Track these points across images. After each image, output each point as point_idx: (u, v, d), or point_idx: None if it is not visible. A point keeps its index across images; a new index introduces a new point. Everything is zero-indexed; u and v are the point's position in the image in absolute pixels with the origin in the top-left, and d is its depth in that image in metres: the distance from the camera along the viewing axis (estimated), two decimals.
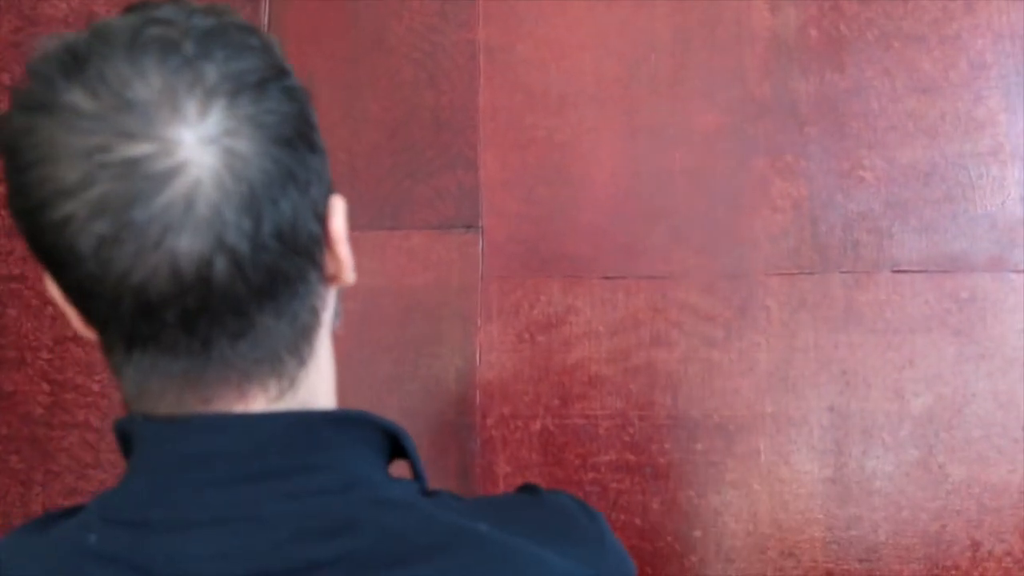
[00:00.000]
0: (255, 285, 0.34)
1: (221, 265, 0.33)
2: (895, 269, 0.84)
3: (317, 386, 0.39)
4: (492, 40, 0.90)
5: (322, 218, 0.37)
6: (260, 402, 0.36)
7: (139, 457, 0.36)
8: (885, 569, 0.81)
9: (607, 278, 0.86)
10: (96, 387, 0.95)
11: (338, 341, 0.93)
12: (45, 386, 0.96)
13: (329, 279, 0.39)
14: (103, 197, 0.31)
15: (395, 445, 0.39)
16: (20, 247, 0.98)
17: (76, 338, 0.96)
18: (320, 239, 0.37)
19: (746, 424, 0.84)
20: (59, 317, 0.96)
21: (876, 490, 0.82)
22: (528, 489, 0.43)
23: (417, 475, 0.39)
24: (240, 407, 0.36)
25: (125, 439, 0.38)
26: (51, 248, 0.33)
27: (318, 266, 0.37)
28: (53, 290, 0.37)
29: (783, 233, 0.85)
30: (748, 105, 0.87)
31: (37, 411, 0.96)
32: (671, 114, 0.88)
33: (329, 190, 0.38)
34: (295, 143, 0.35)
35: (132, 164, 0.32)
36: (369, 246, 0.90)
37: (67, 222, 0.32)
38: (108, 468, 0.94)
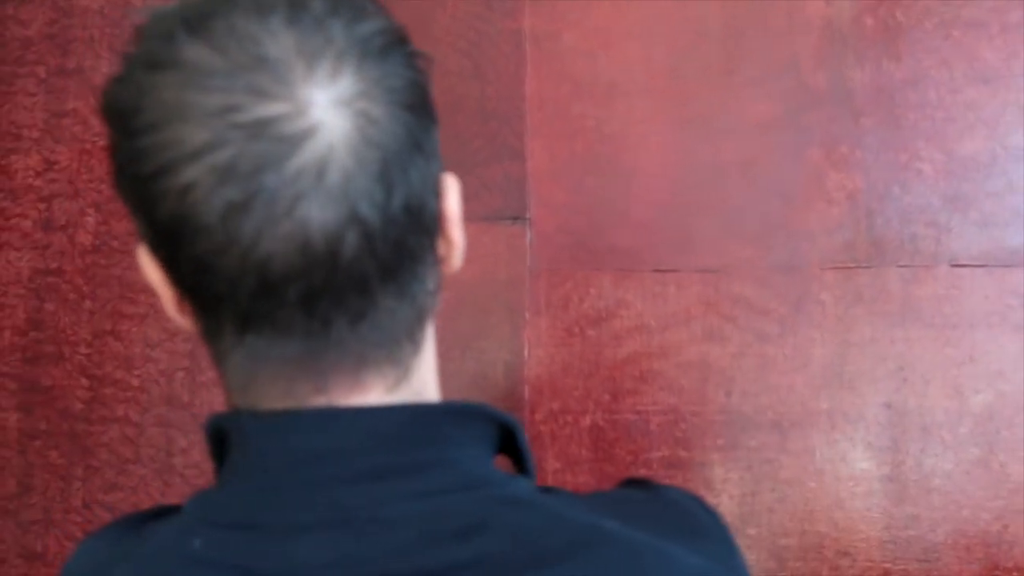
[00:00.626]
0: (382, 262, 0.31)
1: (352, 238, 0.30)
2: (954, 263, 0.82)
3: (427, 375, 0.37)
4: (538, 28, 0.88)
5: (438, 196, 0.35)
6: (376, 392, 0.34)
7: (244, 455, 0.34)
8: (944, 570, 0.79)
9: (658, 271, 0.84)
10: (135, 382, 0.94)
11: None
12: (84, 381, 0.95)
13: (438, 263, 0.37)
14: (233, 160, 0.29)
15: (502, 439, 0.37)
16: (57, 241, 0.97)
17: (115, 332, 0.95)
18: (437, 217, 0.35)
19: (801, 420, 0.82)
20: (97, 312, 0.96)
21: (935, 488, 0.80)
22: (638, 483, 0.41)
23: (527, 471, 0.37)
24: (356, 397, 0.34)
25: (220, 437, 0.35)
26: (169, 219, 0.30)
27: (435, 246, 0.35)
28: (150, 271, 0.34)
29: (838, 226, 0.84)
30: (802, 95, 0.85)
31: (76, 406, 0.95)
32: (723, 104, 0.86)
33: (442, 167, 0.36)
34: (420, 111, 0.33)
35: (265, 124, 0.29)
36: None
37: (191, 188, 0.30)
38: (148, 463, 0.93)
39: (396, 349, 0.34)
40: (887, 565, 0.80)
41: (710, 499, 0.83)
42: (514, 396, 0.85)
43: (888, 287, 0.83)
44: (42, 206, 0.98)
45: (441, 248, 0.36)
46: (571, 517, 0.33)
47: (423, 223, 0.33)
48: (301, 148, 0.30)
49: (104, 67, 0.98)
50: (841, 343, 0.82)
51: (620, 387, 0.84)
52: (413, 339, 0.35)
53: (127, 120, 0.31)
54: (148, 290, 0.95)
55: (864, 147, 0.84)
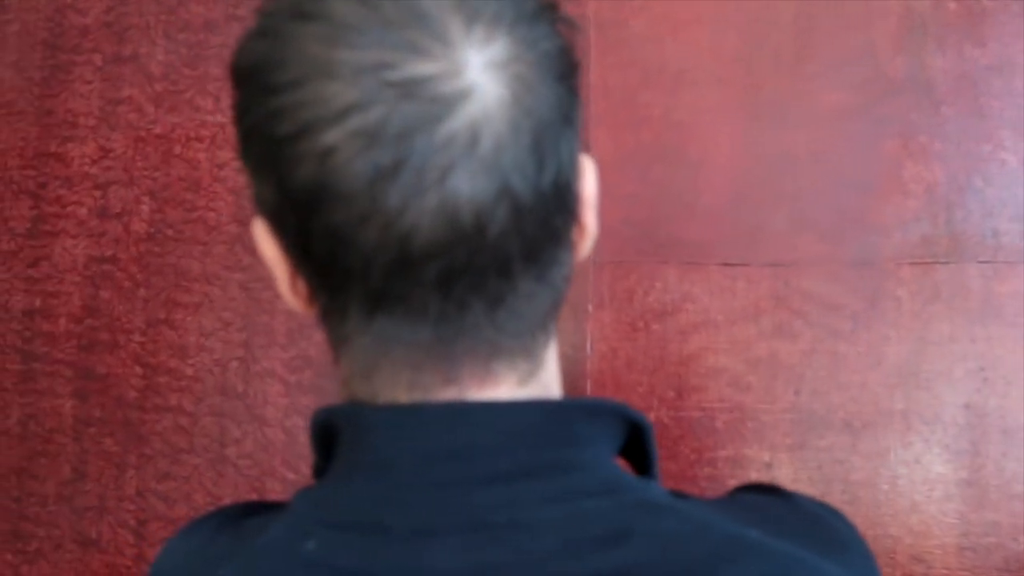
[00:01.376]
0: (527, 242, 0.29)
1: (501, 214, 0.28)
2: None
3: (553, 370, 0.35)
4: (604, 15, 0.86)
5: (578, 177, 0.32)
6: (507, 385, 0.32)
7: (363, 451, 0.31)
8: None
9: (726, 265, 0.82)
10: (189, 371, 0.93)
11: None
12: (138, 369, 0.95)
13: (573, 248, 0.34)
14: (382, 121, 0.27)
15: (626, 439, 0.35)
16: (112, 228, 0.97)
17: (169, 321, 0.94)
18: (578, 199, 0.32)
19: (874, 421, 0.79)
20: (151, 300, 0.95)
21: (1017, 495, 0.77)
22: (764, 489, 0.38)
23: (653, 474, 0.35)
24: (488, 391, 0.32)
25: (328, 431, 0.33)
26: (305, 185, 0.28)
27: (572, 231, 0.33)
28: (266, 246, 0.32)
29: (915, 219, 0.80)
30: (879, 83, 0.82)
31: (130, 394, 0.95)
32: (795, 93, 0.83)
33: (580, 148, 0.33)
34: (570, 81, 0.31)
35: (418, 84, 0.27)
36: None
37: (334, 151, 0.27)
38: (201, 453, 0.92)
39: (529, 340, 0.32)
40: (964, 573, 0.77)
41: None
42: (576, 391, 0.83)
43: (968, 284, 0.79)
44: (97, 194, 0.98)
45: (574, 233, 0.34)
46: (716, 526, 0.31)
47: (567, 203, 0.31)
48: (455, 111, 0.27)
49: (160, 54, 0.97)
50: (917, 341, 0.79)
51: (685, 383, 0.82)
52: (546, 329, 0.33)
53: (265, 76, 0.29)
54: (202, 279, 0.94)
55: (944, 137, 0.81)
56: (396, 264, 0.29)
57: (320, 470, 0.34)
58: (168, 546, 0.37)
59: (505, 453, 0.31)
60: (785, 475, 0.80)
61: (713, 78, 0.83)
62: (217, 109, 0.95)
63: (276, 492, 0.89)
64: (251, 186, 0.31)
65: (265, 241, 0.33)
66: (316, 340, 0.90)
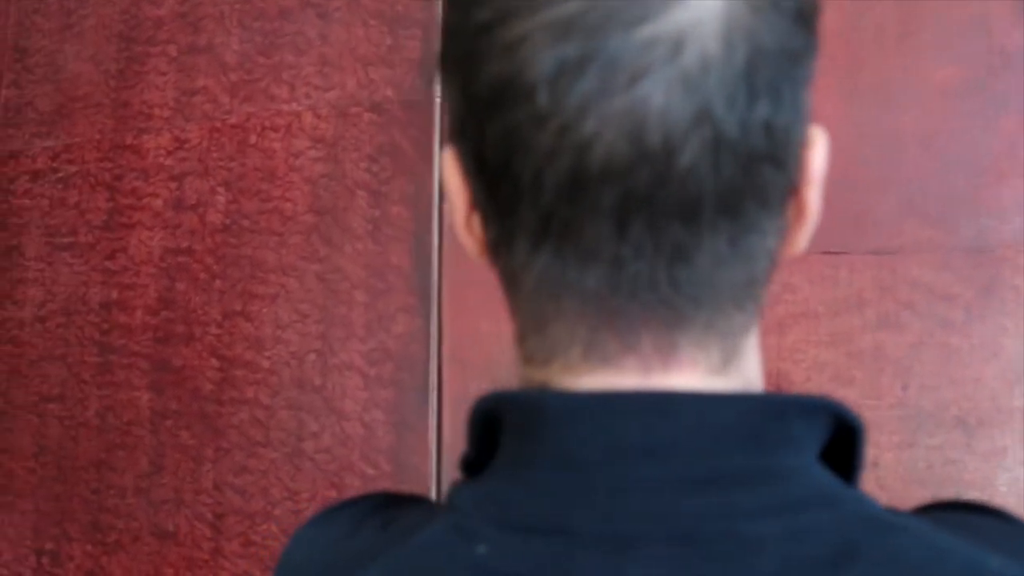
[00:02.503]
0: (723, 186, 0.25)
1: (695, 142, 0.25)
2: None
3: (755, 363, 0.31)
4: None
5: (803, 143, 0.28)
6: (699, 370, 0.28)
7: (542, 444, 0.28)
8: None
9: (828, 253, 0.78)
10: (266, 364, 0.92)
11: (508, 322, 0.86)
12: (214, 361, 0.94)
13: (784, 235, 0.30)
14: (578, 12, 0.24)
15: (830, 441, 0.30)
16: (188, 220, 0.96)
17: (245, 313, 0.93)
18: (798, 168, 0.28)
19: (989, 418, 0.74)
20: (227, 292, 0.94)
21: None
22: (975, 508, 0.33)
23: (855, 483, 0.30)
24: (677, 374, 0.28)
25: (493, 419, 0.30)
26: (490, 81, 0.26)
27: (786, 203, 0.28)
28: (450, 173, 0.30)
29: None
30: (993, 57, 0.77)
31: (206, 387, 0.94)
32: (901, 70, 0.78)
33: (810, 116, 0.29)
34: (804, 22, 0.27)
35: None
36: None
37: (523, 41, 0.25)
38: (278, 447, 0.91)
39: (720, 317, 0.28)
40: None
41: (883, 501, 0.76)
42: None
43: None
44: (173, 185, 0.97)
45: (790, 213, 0.29)
46: (956, 551, 0.27)
47: (782, 156, 0.27)
48: (661, 14, 0.24)
49: (234, 43, 0.96)
50: None
51: (785, 378, 0.77)
52: (742, 308, 0.29)
53: None
54: (278, 270, 0.93)
55: None
56: (569, 180, 0.26)
57: (473, 464, 0.31)
58: (299, 536, 0.35)
59: (715, 454, 0.27)
60: (892, 475, 0.75)
61: None
62: (292, 98, 0.93)
63: (355, 488, 0.87)
64: (447, 103, 0.29)
65: (450, 169, 0.30)
66: (395, 332, 0.88)
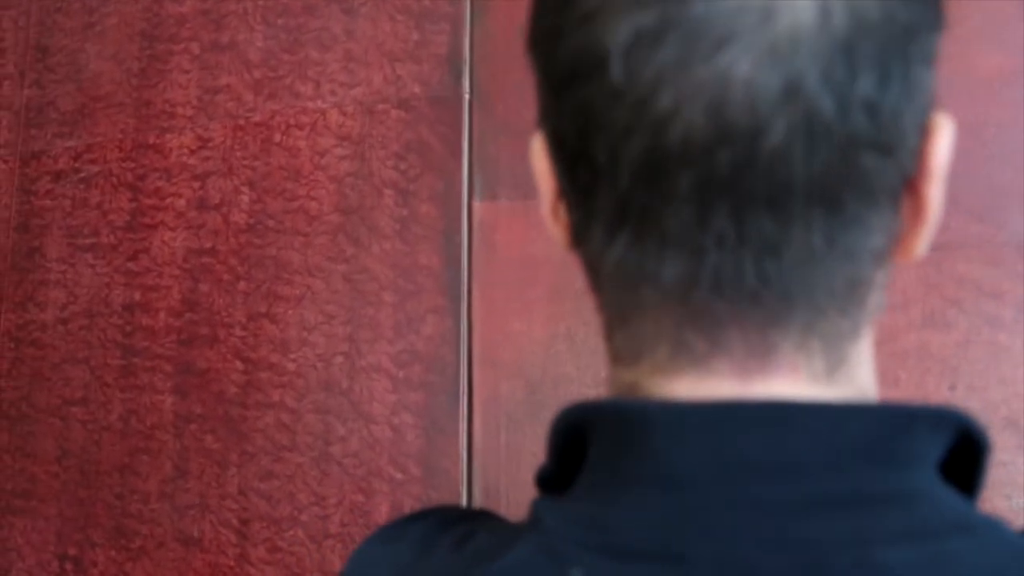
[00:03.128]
0: (816, 173, 0.23)
1: (785, 121, 0.22)
2: None
3: (868, 371, 0.28)
4: None
5: (921, 132, 0.26)
6: (799, 376, 0.26)
7: (642, 459, 0.25)
8: None
9: None
10: (292, 366, 0.91)
11: (560, 317, 0.82)
12: (239, 364, 0.93)
13: (895, 235, 0.27)
14: None
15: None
16: (211, 220, 0.95)
17: (270, 314, 0.92)
18: (913, 159, 0.26)
19: None
20: (251, 293, 0.93)
21: None
22: None
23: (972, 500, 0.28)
24: (778, 379, 0.25)
25: (578, 431, 0.27)
26: (568, 56, 0.24)
27: (897, 199, 0.26)
28: (538, 159, 0.29)
29: None
30: None
31: (231, 390, 0.93)
32: (946, 59, 0.76)
33: (932, 102, 0.27)
34: (927, 2, 0.25)
35: None
36: None
37: (599, 10, 0.24)
38: (304, 451, 0.89)
39: (820, 319, 0.26)
40: None
41: None
42: None
43: None
44: (196, 185, 0.96)
45: (905, 211, 0.26)
46: None
47: (890, 145, 0.24)
48: None
49: (258, 40, 0.95)
50: None
51: None
52: (845, 313, 0.26)
53: None
54: (304, 271, 0.91)
55: None
56: (645, 161, 0.24)
57: (553, 479, 0.29)
58: (361, 557, 0.33)
59: (841, 472, 0.24)
60: None
61: None
62: (317, 95, 0.92)
63: (383, 493, 0.86)
64: (537, 90, 0.28)
65: (538, 154, 0.29)
66: (424, 334, 0.86)
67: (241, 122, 0.95)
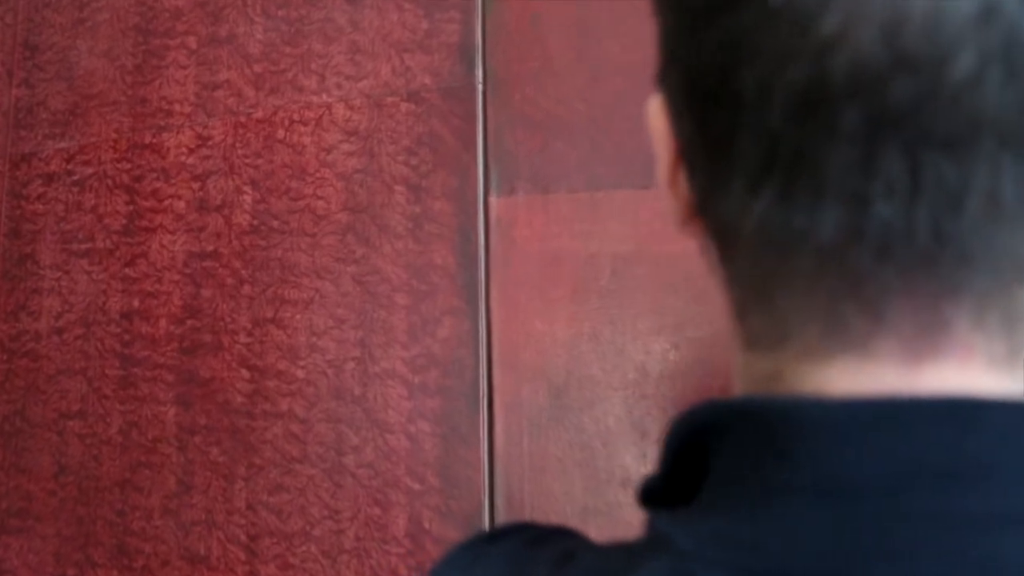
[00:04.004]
0: (1011, 110, 0.19)
1: (976, 48, 0.19)
2: None
3: None
4: None
5: None
6: (974, 360, 0.22)
7: (793, 466, 0.22)
8: None
9: None
10: (300, 374, 0.86)
11: (584, 317, 0.77)
12: (244, 372, 0.88)
13: None
14: None
15: None
16: (213, 222, 0.90)
17: (277, 320, 0.88)
18: None
19: None
20: (257, 297, 0.88)
21: None
22: None
23: None
24: (951, 368, 0.22)
25: (698, 434, 0.24)
26: None
27: None
28: (656, 118, 0.26)
29: None
30: None
31: (237, 399, 0.88)
32: None
33: None
34: None
35: None
36: (618, 208, 0.78)
37: None
38: (316, 463, 0.85)
39: (997, 289, 0.21)
40: None
41: None
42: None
43: None
44: (196, 185, 0.92)
45: None
46: None
47: None
48: None
49: (258, 33, 0.90)
50: None
51: None
52: None
53: None
54: (312, 273, 0.87)
55: None
56: (803, 94, 0.20)
57: (659, 491, 0.25)
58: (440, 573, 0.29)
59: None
60: None
61: None
62: (322, 88, 0.88)
63: (401, 505, 0.81)
64: (660, 38, 0.25)
65: (657, 116, 0.27)
66: (440, 337, 0.82)
67: (242, 119, 0.90)
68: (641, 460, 0.76)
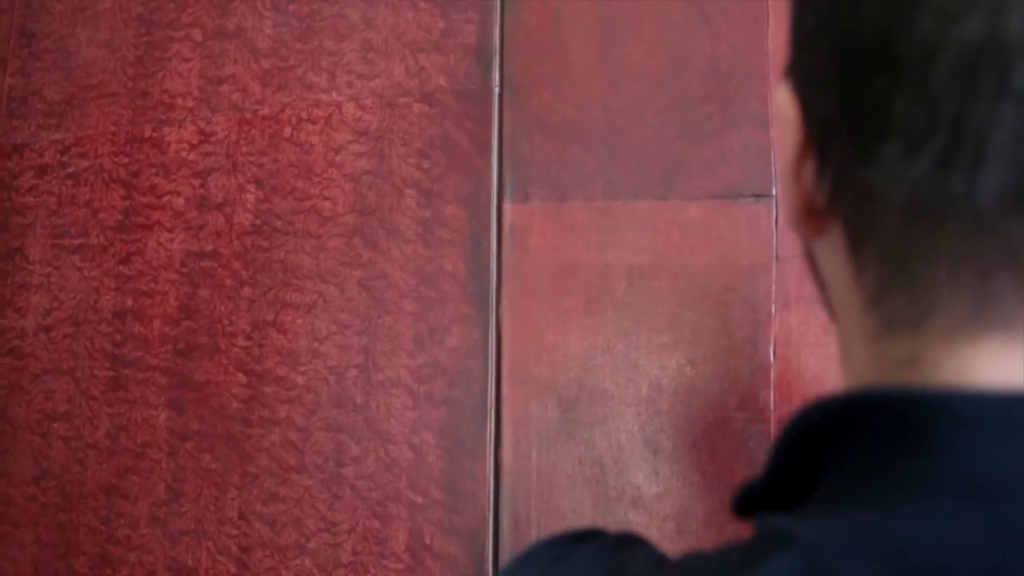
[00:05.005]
0: None
1: None
2: None
3: None
4: None
5: None
6: None
7: (939, 460, 0.21)
8: None
9: None
10: (301, 380, 0.83)
11: (598, 329, 0.75)
12: (242, 377, 0.85)
13: None
14: None
15: None
16: (213, 220, 0.87)
17: (277, 323, 0.85)
18: None
19: None
20: (257, 300, 0.85)
21: None
22: None
23: None
24: None
25: (818, 428, 0.23)
26: None
27: None
28: (786, 105, 0.26)
29: None
30: None
31: (232, 405, 0.85)
32: None
33: None
34: None
35: None
36: (636, 218, 0.76)
37: None
38: (314, 472, 0.82)
39: None
40: None
41: None
42: (757, 405, 0.72)
43: None
44: (196, 182, 0.89)
45: None
46: None
47: None
48: None
49: (267, 27, 0.88)
50: None
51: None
52: None
53: None
54: (316, 276, 0.84)
55: None
56: (972, 52, 0.20)
57: (762, 492, 0.24)
58: (520, 567, 0.28)
59: None
60: None
61: None
62: (332, 87, 0.85)
63: (401, 518, 0.79)
64: (799, 20, 0.25)
65: (786, 103, 0.27)
66: (448, 346, 0.79)
67: (247, 115, 0.87)
68: (653, 478, 0.73)
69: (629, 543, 0.28)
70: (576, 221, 0.77)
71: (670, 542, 0.72)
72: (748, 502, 0.25)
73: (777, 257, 0.73)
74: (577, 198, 0.78)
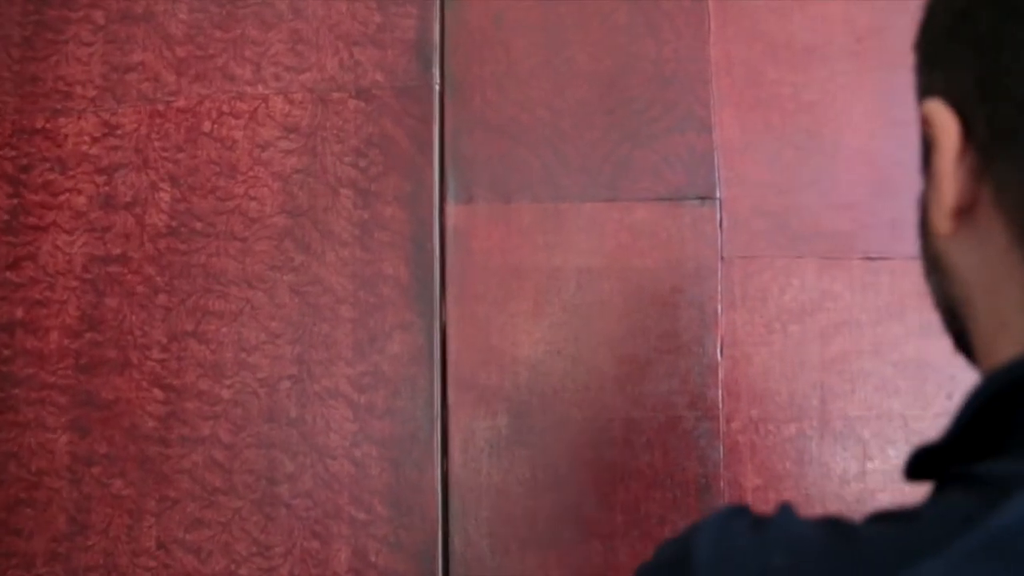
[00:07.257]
0: None
1: None
2: None
3: None
4: None
5: None
6: None
7: None
8: None
9: (869, 259, 0.74)
10: (226, 394, 0.77)
11: (547, 333, 0.76)
12: (157, 393, 0.78)
13: None
14: None
15: None
16: (121, 221, 0.79)
17: (198, 333, 0.78)
18: None
19: None
20: (174, 308, 0.78)
21: None
22: None
23: None
24: None
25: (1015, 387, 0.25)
26: None
27: None
28: (939, 111, 0.29)
29: None
30: None
31: (147, 424, 0.78)
32: None
33: None
34: None
35: None
36: (584, 220, 0.75)
37: None
38: (244, 493, 0.76)
39: None
40: None
41: None
42: (706, 403, 0.73)
43: None
44: (100, 179, 0.80)
45: None
46: None
47: None
48: None
49: (182, 12, 0.81)
50: None
51: (828, 390, 0.73)
52: None
53: None
54: (241, 281, 0.78)
55: None
56: None
57: (953, 447, 0.26)
58: (726, 541, 0.27)
59: None
60: None
61: (847, 53, 0.76)
62: (257, 79, 0.79)
63: (343, 536, 0.74)
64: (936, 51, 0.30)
65: (939, 111, 0.29)
66: (390, 353, 0.76)
67: (160, 107, 0.80)
68: (608, 480, 0.73)
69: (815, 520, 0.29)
70: (523, 223, 0.76)
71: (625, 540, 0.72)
72: (925, 465, 0.28)
73: (722, 258, 0.74)
74: (523, 200, 0.76)
